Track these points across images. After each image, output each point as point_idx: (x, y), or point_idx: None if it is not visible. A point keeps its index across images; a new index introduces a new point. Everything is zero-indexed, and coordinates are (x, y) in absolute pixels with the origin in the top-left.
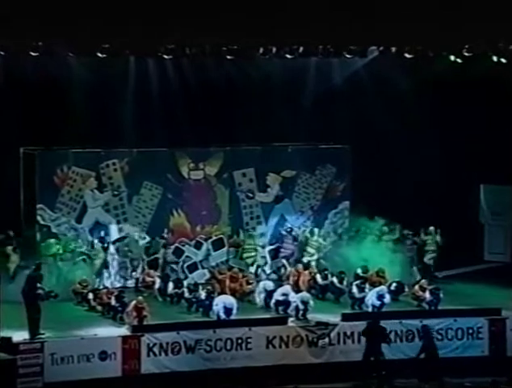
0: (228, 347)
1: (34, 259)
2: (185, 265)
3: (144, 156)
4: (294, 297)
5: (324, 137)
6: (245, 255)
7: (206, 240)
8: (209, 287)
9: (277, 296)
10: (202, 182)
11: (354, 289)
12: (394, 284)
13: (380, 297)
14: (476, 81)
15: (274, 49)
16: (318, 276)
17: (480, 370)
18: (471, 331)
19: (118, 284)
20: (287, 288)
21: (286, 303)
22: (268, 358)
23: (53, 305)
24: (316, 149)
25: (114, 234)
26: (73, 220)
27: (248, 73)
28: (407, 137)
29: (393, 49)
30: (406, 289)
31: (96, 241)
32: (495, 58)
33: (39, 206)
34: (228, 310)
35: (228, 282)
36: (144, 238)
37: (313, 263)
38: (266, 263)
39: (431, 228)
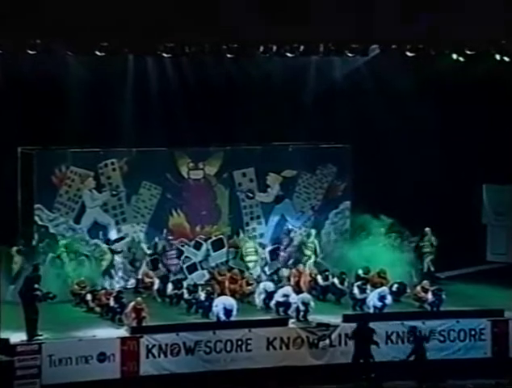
0: (228, 349)
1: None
2: (184, 266)
3: (143, 155)
4: (295, 299)
5: (325, 137)
6: (246, 258)
7: (205, 240)
8: (209, 288)
9: (278, 297)
10: (201, 182)
11: (356, 290)
12: (396, 285)
13: (382, 298)
14: (478, 79)
15: (274, 48)
16: (319, 277)
17: (483, 372)
18: (473, 333)
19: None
20: (287, 289)
21: (286, 304)
22: (268, 360)
23: (51, 307)
24: (316, 148)
25: (112, 234)
26: (72, 220)
27: (248, 72)
28: (409, 136)
29: (394, 48)
30: (408, 290)
31: (100, 242)
32: (498, 57)
33: (36, 206)
34: (228, 311)
35: (227, 283)
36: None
37: (311, 265)
38: (266, 264)
39: (427, 229)
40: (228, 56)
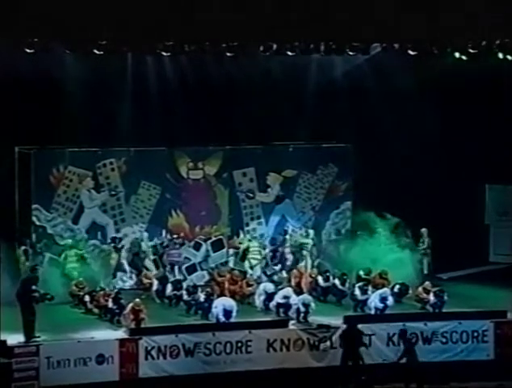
0: (228, 351)
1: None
2: (184, 266)
3: (142, 155)
4: (295, 300)
5: (326, 136)
6: (250, 259)
7: (205, 241)
8: (208, 289)
9: (278, 298)
10: (201, 182)
11: (357, 291)
12: (397, 286)
13: (383, 299)
14: (481, 78)
15: (274, 46)
16: (320, 278)
17: (486, 374)
18: (476, 334)
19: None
20: (288, 290)
21: (287, 306)
22: (269, 362)
23: (49, 308)
24: (317, 148)
25: (111, 234)
26: (70, 220)
27: (248, 71)
28: (411, 136)
29: (396, 46)
30: (410, 291)
31: (98, 242)
32: (501, 55)
33: (34, 206)
34: (227, 313)
35: (227, 284)
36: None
37: (308, 267)
38: (266, 265)
39: (423, 230)
40: (228, 54)
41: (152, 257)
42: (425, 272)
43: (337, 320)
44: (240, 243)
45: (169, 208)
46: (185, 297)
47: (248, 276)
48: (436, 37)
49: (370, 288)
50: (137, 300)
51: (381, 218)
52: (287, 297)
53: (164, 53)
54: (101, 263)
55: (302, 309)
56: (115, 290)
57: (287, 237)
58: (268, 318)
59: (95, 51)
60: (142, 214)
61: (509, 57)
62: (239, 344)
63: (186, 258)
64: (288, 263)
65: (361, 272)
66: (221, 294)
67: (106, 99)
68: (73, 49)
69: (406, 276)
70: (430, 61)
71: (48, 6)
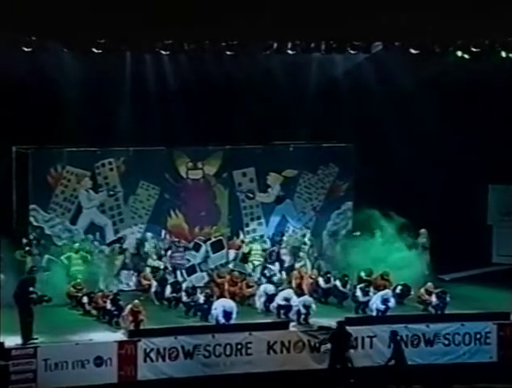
0: (228, 353)
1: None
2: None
3: (140, 155)
4: (296, 301)
5: (326, 136)
6: (252, 261)
7: (205, 242)
8: (208, 290)
9: (279, 300)
10: (200, 182)
11: (358, 293)
12: (399, 288)
13: (385, 301)
14: (483, 77)
15: (275, 45)
16: (321, 280)
17: (489, 377)
18: (479, 336)
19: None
20: (289, 291)
21: (287, 307)
22: (269, 364)
23: (47, 310)
24: (318, 147)
25: (110, 235)
26: (68, 221)
27: (248, 70)
28: (412, 135)
29: (398, 45)
30: (412, 293)
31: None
32: (504, 54)
33: (32, 207)
34: (227, 314)
35: (227, 285)
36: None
37: (305, 268)
38: (264, 268)
39: (422, 230)
40: (228, 53)
41: (154, 258)
42: (426, 272)
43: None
44: (242, 242)
45: (168, 208)
46: (184, 298)
47: (248, 277)
48: (438, 36)
49: (371, 289)
50: (136, 301)
51: (386, 218)
52: (287, 299)
53: (163, 52)
54: (106, 265)
55: (303, 310)
56: (114, 291)
57: (284, 238)
58: (268, 320)
59: (94, 50)
60: (141, 215)
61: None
62: (239, 346)
63: (186, 259)
64: (286, 264)
65: (362, 274)
66: (221, 295)
67: (104, 98)
68: (71, 48)
69: (409, 277)
70: (432, 60)
71: (46, 4)
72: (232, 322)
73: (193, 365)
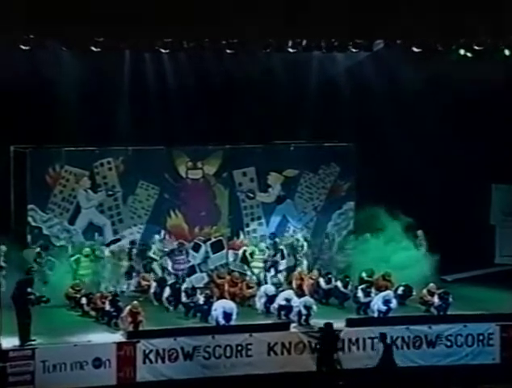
0: (228, 354)
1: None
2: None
3: (140, 154)
4: (296, 302)
5: (327, 135)
6: (255, 262)
7: (204, 242)
8: (208, 291)
9: (279, 300)
10: (200, 181)
11: (360, 294)
12: (401, 288)
13: (387, 302)
14: (486, 76)
15: (275, 43)
16: (322, 280)
17: (491, 378)
18: (481, 338)
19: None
20: (289, 292)
21: (288, 308)
22: (269, 365)
23: (45, 311)
24: (319, 147)
25: (108, 235)
26: (66, 221)
27: (248, 69)
28: (414, 134)
29: (400, 43)
30: (414, 293)
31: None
32: (507, 52)
33: (30, 207)
34: (227, 315)
35: (227, 286)
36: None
37: (306, 269)
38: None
39: (419, 232)
40: (228, 51)
41: (159, 261)
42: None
43: (339, 323)
44: (242, 242)
45: (167, 208)
46: (184, 299)
47: (247, 277)
48: (441, 34)
49: (373, 290)
50: (135, 302)
51: (387, 218)
52: (288, 299)
53: (162, 50)
54: (119, 265)
55: (304, 311)
56: (113, 292)
57: (284, 238)
58: (269, 321)
59: (92, 48)
60: (140, 215)
61: None
62: (239, 348)
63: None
64: (286, 265)
65: (363, 274)
66: (221, 296)
67: (103, 97)
68: (69, 46)
69: (411, 278)
70: (434, 59)
71: (43, 2)
72: (233, 323)
73: (193, 367)
